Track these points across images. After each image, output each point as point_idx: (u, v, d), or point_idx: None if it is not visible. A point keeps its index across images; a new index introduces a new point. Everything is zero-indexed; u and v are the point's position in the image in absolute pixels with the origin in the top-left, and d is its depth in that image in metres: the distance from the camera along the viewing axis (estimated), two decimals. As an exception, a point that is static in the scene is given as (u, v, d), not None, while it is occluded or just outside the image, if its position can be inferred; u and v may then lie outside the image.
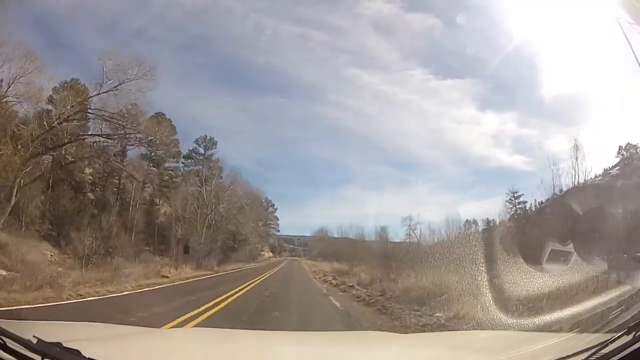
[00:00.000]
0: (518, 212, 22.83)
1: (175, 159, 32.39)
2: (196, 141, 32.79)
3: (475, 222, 21.94)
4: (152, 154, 30.31)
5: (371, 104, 39.38)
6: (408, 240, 23.95)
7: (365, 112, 40.62)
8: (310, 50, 35.84)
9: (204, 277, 19.95)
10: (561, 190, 20.41)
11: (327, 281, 20.49)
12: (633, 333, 1.25)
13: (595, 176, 20.30)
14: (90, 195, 26.05)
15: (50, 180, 21.88)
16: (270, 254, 51.62)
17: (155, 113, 27.41)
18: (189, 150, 32.27)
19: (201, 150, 32.91)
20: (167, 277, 17.22)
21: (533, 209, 22.18)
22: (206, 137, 32.88)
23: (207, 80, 38.45)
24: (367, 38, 37.44)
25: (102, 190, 26.92)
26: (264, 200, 43.26)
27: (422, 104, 39.35)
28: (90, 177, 27.04)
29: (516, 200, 22.98)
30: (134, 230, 26.14)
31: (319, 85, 42.85)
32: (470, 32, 29.35)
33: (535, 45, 23.72)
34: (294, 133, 44.12)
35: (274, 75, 40.87)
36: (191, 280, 17.63)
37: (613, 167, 20.47)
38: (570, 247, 7.84)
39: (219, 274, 23.42)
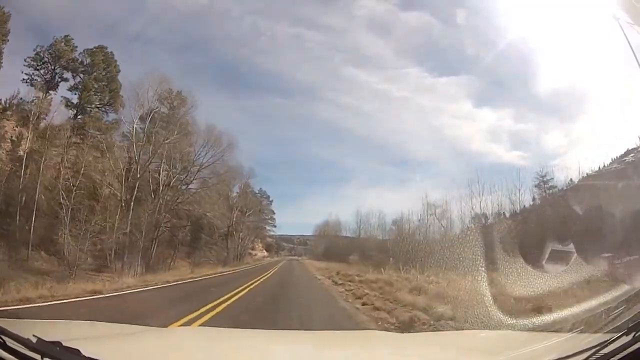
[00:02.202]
0: (547, 196, 22.20)
1: (113, 108, 23.28)
2: (159, 98, 23.49)
3: (485, 215, 21.91)
4: (81, 99, 22.19)
5: (369, 103, 39.61)
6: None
7: (363, 111, 40.80)
8: (307, 50, 36.12)
9: None
10: (572, 179, 20.37)
11: None
12: (633, 333, 1.25)
13: (605, 165, 20.32)
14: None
15: None
16: (265, 253, 47.48)
17: (95, 46, 22.73)
18: (148, 109, 22.67)
19: (164, 110, 23.47)
20: None
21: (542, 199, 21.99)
22: (171, 90, 23.98)
23: (206, 81, 38.64)
24: (363, 37, 37.65)
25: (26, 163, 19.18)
26: (250, 182, 34.58)
27: (419, 102, 39.61)
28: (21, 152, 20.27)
29: (545, 186, 22.54)
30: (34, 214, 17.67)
31: (316, 85, 43.20)
32: (466, 29, 29.46)
33: (532, 43, 23.82)
34: (292, 133, 44.33)
35: (272, 76, 41.15)
36: None
37: (622, 155, 20.39)
38: (571, 246, 7.86)
39: None
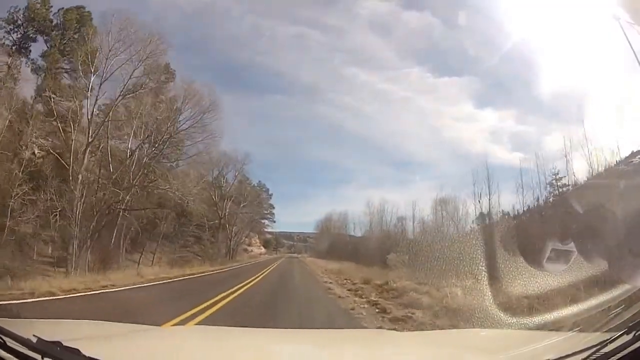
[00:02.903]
0: (559, 195, 21.03)
1: (77, 73, 18.98)
2: (145, 72, 19.25)
3: (489, 215, 21.56)
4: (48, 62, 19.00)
5: (369, 104, 39.64)
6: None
7: (364, 112, 40.79)
8: (308, 50, 36.07)
9: None
10: (576, 181, 20.13)
11: None
12: (633, 333, 1.25)
13: (610, 167, 20.23)
14: None
15: None
16: (262, 250, 45.60)
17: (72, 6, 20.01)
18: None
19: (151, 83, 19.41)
20: None
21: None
22: (159, 65, 20.23)
23: (206, 81, 38.53)
24: (364, 38, 37.63)
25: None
26: (246, 171, 30.86)
27: (420, 103, 39.61)
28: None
29: (558, 184, 21.38)
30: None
31: (317, 85, 43.14)
32: (468, 30, 29.38)
33: (533, 43, 23.82)
34: (293, 133, 44.37)
35: (273, 76, 41.08)
36: None
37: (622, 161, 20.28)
38: (571, 245, 7.84)
39: None
